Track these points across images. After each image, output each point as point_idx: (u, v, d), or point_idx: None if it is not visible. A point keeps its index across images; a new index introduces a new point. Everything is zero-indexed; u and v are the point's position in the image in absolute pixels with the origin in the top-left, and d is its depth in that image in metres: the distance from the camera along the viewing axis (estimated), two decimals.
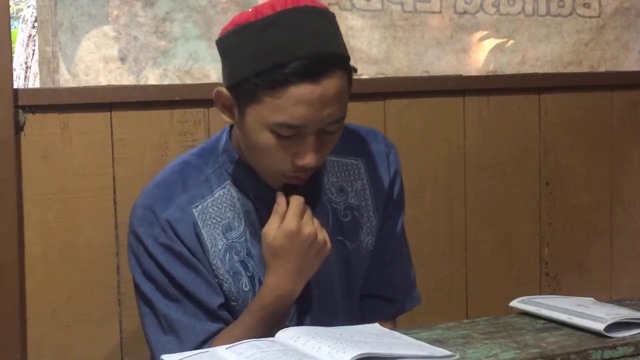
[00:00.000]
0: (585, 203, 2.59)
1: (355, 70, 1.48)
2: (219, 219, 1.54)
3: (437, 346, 1.34)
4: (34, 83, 3.11)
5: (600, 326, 1.40)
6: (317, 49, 1.39)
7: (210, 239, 1.53)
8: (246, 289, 1.54)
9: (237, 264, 1.54)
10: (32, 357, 2.01)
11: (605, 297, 2.54)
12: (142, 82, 2.11)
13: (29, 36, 3.21)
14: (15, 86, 1.98)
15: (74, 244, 2.03)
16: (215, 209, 1.54)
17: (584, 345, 1.37)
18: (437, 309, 2.38)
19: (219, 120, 1.94)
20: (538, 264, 2.54)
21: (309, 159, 1.43)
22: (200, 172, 1.56)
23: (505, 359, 1.32)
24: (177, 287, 1.51)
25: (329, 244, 1.48)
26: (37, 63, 2.38)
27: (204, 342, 1.50)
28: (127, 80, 2.10)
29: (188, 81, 2.14)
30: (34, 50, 3.17)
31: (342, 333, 1.35)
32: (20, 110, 1.97)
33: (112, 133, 2.05)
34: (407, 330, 1.46)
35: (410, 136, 2.34)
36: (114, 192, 2.05)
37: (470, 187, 2.44)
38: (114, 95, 2.05)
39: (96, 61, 2.07)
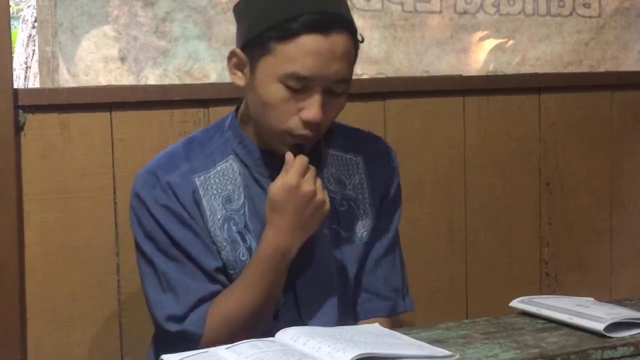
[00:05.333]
0: (585, 203, 2.59)
1: (362, 41, 1.56)
2: (219, 190, 1.59)
3: (437, 346, 1.34)
4: (34, 83, 3.11)
5: (600, 326, 1.40)
6: (326, 7, 1.48)
7: (209, 208, 1.58)
8: (243, 259, 1.58)
9: (235, 234, 1.59)
10: (32, 357, 2.01)
11: (605, 297, 2.54)
12: (142, 82, 2.11)
13: (29, 36, 3.20)
14: (15, 86, 1.98)
15: (74, 244, 2.03)
16: (217, 180, 1.60)
17: (584, 345, 1.37)
18: (437, 309, 2.38)
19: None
20: (538, 264, 2.54)
21: (314, 113, 1.49)
22: (204, 147, 1.62)
23: (505, 359, 1.32)
24: (176, 247, 1.56)
25: (327, 205, 1.54)
26: (37, 63, 2.37)
27: (201, 301, 1.55)
28: (127, 80, 2.10)
29: (188, 81, 2.14)
30: (34, 50, 3.16)
31: (342, 333, 1.35)
32: (20, 110, 1.97)
33: (112, 133, 2.05)
34: (407, 330, 1.46)
35: (410, 136, 2.34)
36: (114, 192, 2.05)
37: (470, 187, 2.43)
38: (114, 95, 2.05)
39: (96, 61, 2.07)
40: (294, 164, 1.51)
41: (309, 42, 1.46)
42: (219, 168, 1.60)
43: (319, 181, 1.54)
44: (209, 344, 1.49)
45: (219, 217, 1.58)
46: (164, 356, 1.29)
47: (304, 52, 1.46)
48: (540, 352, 1.34)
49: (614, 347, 1.37)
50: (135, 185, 1.60)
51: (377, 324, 1.50)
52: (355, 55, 1.55)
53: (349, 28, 1.51)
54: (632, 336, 1.41)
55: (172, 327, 1.55)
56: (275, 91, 1.49)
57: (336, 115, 1.57)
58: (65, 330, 2.04)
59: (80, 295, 2.04)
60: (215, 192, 1.59)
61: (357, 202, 1.67)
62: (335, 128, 1.69)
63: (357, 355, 1.21)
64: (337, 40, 1.48)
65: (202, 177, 1.59)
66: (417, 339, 1.38)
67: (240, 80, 1.56)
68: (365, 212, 1.68)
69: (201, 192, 1.58)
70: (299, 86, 1.48)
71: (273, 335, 1.36)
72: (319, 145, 1.63)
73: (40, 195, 2.00)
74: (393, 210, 1.73)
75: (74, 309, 2.04)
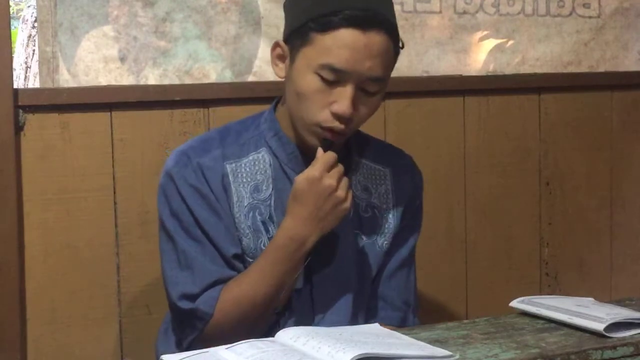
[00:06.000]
0: (585, 203, 2.59)
1: (402, 47, 1.60)
2: (249, 179, 1.63)
3: (437, 346, 1.34)
4: (34, 83, 3.11)
5: (600, 326, 1.40)
6: (370, 6, 1.52)
7: (237, 194, 1.61)
8: (264, 248, 1.60)
9: (259, 223, 1.62)
10: (32, 357, 2.01)
11: (605, 297, 2.54)
12: (142, 82, 2.11)
13: (29, 36, 3.20)
14: (15, 86, 1.98)
15: (74, 244, 2.03)
16: (247, 169, 1.63)
17: (584, 345, 1.37)
18: (437, 309, 2.38)
19: (220, 121, 1.94)
20: (538, 264, 2.54)
21: (345, 107, 1.52)
22: (239, 136, 1.66)
23: (505, 359, 1.32)
24: (199, 227, 1.59)
25: (347, 203, 1.55)
26: (37, 63, 2.37)
27: (216, 283, 1.58)
28: (127, 80, 2.10)
29: (188, 81, 2.14)
30: (34, 50, 3.16)
31: (342, 333, 1.35)
32: (20, 110, 1.97)
33: (112, 133, 2.05)
34: (407, 330, 1.46)
35: (410, 136, 2.33)
36: (114, 192, 2.05)
37: (470, 187, 2.43)
38: (114, 95, 2.05)
39: (96, 61, 2.07)
40: (321, 158, 1.54)
41: (346, 36, 1.50)
42: (250, 158, 1.64)
43: (345, 180, 1.55)
44: (217, 327, 1.54)
45: (245, 204, 1.61)
46: (163, 356, 1.29)
47: (340, 44, 1.50)
48: (540, 352, 1.34)
49: (614, 347, 1.37)
50: (166, 165, 1.64)
51: (377, 324, 1.50)
52: (394, 60, 1.58)
53: (389, 30, 1.54)
54: (632, 336, 1.41)
55: (185, 304, 1.58)
56: (311, 82, 1.53)
57: (369, 116, 1.59)
58: (65, 330, 2.04)
59: (80, 295, 2.04)
60: (244, 180, 1.62)
61: (381, 211, 1.70)
62: (368, 140, 1.75)
63: (357, 355, 1.21)
64: (375, 38, 1.51)
65: (233, 165, 1.62)
66: (417, 339, 1.38)
67: (281, 71, 1.61)
68: (388, 222, 1.71)
69: (231, 178, 1.62)
70: (332, 78, 1.51)
71: (278, 329, 1.37)
72: (350, 152, 1.68)
73: (40, 195, 2.00)
74: (413, 226, 1.76)
75: (73, 309, 2.04)
